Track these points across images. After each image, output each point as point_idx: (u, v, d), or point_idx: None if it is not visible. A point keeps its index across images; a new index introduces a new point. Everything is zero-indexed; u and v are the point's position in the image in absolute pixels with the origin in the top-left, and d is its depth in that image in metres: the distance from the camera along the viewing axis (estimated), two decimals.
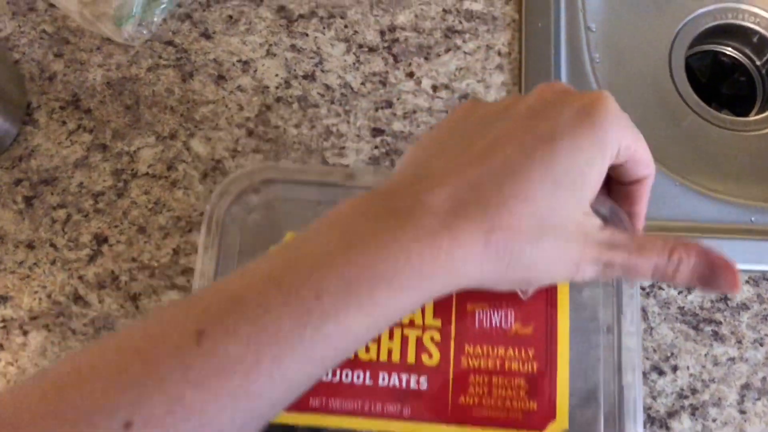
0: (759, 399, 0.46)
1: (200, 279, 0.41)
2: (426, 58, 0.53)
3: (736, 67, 0.77)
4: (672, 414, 0.46)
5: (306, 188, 0.44)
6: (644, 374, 0.47)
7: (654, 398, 0.46)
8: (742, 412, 0.46)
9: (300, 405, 0.38)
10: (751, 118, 0.72)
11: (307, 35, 0.53)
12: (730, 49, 0.76)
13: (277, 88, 0.52)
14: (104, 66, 0.53)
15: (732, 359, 0.47)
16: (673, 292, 0.48)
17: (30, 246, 0.49)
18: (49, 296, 0.48)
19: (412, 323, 0.40)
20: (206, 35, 0.53)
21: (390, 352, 0.39)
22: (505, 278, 0.29)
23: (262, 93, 0.52)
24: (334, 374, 0.39)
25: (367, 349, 0.39)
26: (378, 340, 0.40)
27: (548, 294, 0.40)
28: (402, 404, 0.39)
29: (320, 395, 0.39)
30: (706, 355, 0.47)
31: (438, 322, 0.40)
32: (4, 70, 0.51)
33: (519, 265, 0.29)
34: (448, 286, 0.28)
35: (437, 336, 0.40)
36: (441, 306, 0.40)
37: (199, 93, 0.52)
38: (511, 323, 0.40)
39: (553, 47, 0.53)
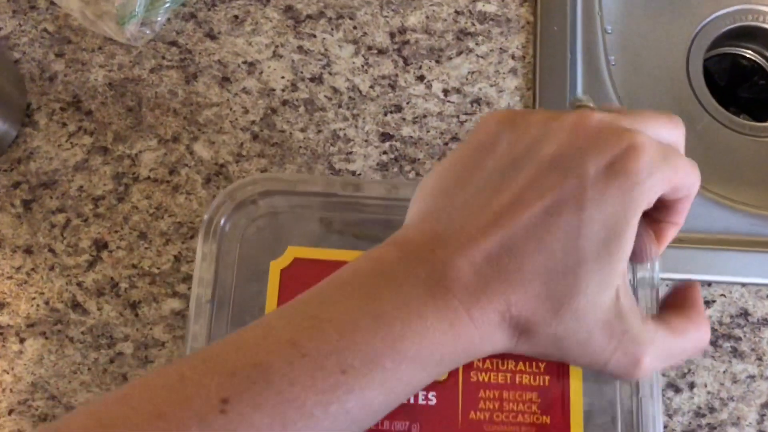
0: None
1: (198, 287, 0.40)
2: (437, 61, 0.51)
3: (755, 71, 0.75)
4: None
5: (309, 199, 0.43)
6: (660, 391, 0.45)
7: (670, 416, 0.45)
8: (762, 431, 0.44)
9: None
10: None
11: (314, 36, 0.52)
12: (750, 52, 0.74)
13: (283, 90, 0.51)
14: (106, 66, 0.51)
15: (752, 377, 0.45)
16: None
17: (28, 251, 0.47)
18: (46, 303, 0.46)
19: None
20: (211, 36, 0.52)
21: None
22: (537, 353, 0.29)
23: (268, 96, 0.50)
24: None
25: None
26: None
27: None
28: (411, 422, 0.38)
29: None
30: (724, 372, 0.46)
31: None
32: (3, 70, 0.50)
33: (547, 346, 0.28)
34: (471, 358, 0.28)
35: None
36: None
37: (203, 95, 0.50)
38: None
39: (569, 51, 0.51)
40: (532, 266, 0.27)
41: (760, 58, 0.75)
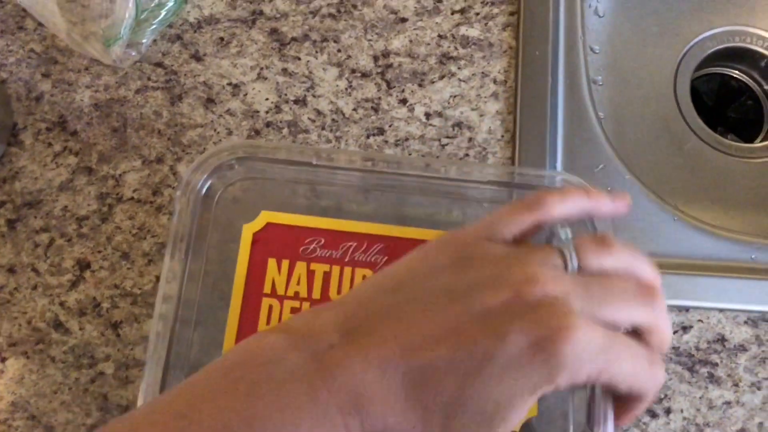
0: None
1: (172, 246, 0.42)
2: (420, 85, 0.52)
3: (743, 91, 0.75)
4: None
5: (285, 167, 0.44)
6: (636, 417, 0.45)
7: None
8: None
9: None
10: (756, 144, 0.70)
11: (299, 59, 0.52)
12: (737, 72, 0.75)
13: (267, 112, 0.51)
14: (92, 87, 0.52)
15: (728, 403, 0.46)
16: None
17: (11, 270, 0.48)
18: (29, 322, 0.47)
19: None
20: (196, 57, 0.52)
21: None
22: None
23: (252, 117, 0.51)
24: None
25: None
26: None
27: None
28: None
29: None
30: (701, 398, 0.46)
31: None
32: None
33: None
34: None
35: None
36: None
37: (187, 116, 0.51)
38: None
39: (550, 75, 0.52)
40: (418, 401, 0.26)
41: (748, 79, 0.75)
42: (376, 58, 0.52)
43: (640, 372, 0.28)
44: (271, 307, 0.43)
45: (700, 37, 0.72)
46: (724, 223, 0.56)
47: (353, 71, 0.52)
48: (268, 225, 0.44)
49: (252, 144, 0.45)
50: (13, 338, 0.46)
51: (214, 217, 0.44)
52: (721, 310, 0.47)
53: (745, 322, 0.47)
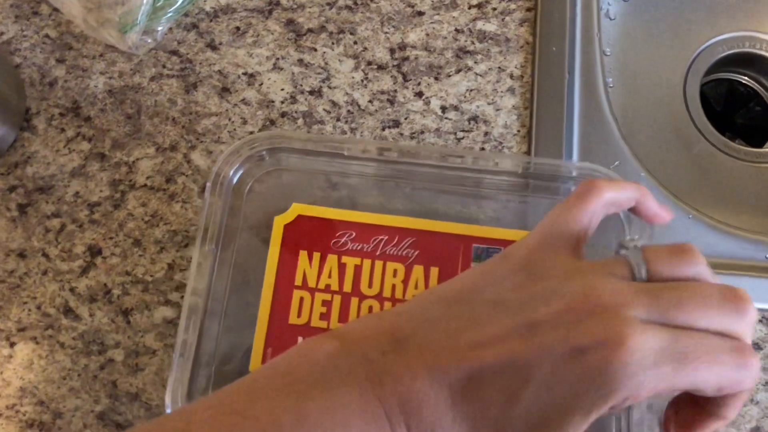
0: None
1: (202, 238, 0.42)
2: (436, 78, 0.51)
3: (751, 97, 0.75)
4: None
5: (315, 158, 0.45)
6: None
7: None
8: None
9: None
10: (766, 149, 0.70)
11: (315, 50, 0.52)
12: (746, 78, 0.75)
13: (282, 102, 0.51)
14: (106, 74, 0.51)
15: None
16: None
17: (21, 255, 0.47)
18: (38, 308, 0.46)
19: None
20: (212, 46, 0.52)
21: None
22: None
23: (267, 107, 0.51)
24: None
25: None
26: None
27: None
28: None
29: None
30: None
31: None
32: (3, 75, 0.50)
33: None
34: None
35: None
36: (446, 280, 0.41)
37: (202, 105, 0.51)
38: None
39: (567, 71, 0.52)
40: (465, 412, 0.26)
41: (757, 85, 0.75)
42: (392, 51, 0.52)
43: (727, 369, 0.25)
44: (302, 299, 0.42)
45: (710, 42, 0.72)
46: (736, 224, 0.56)
47: (369, 63, 0.52)
48: (299, 217, 0.43)
49: (283, 134, 0.44)
50: (22, 323, 0.46)
51: (244, 209, 0.44)
52: None
53: (760, 321, 0.47)
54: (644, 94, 0.69)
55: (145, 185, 0.49)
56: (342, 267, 0.43)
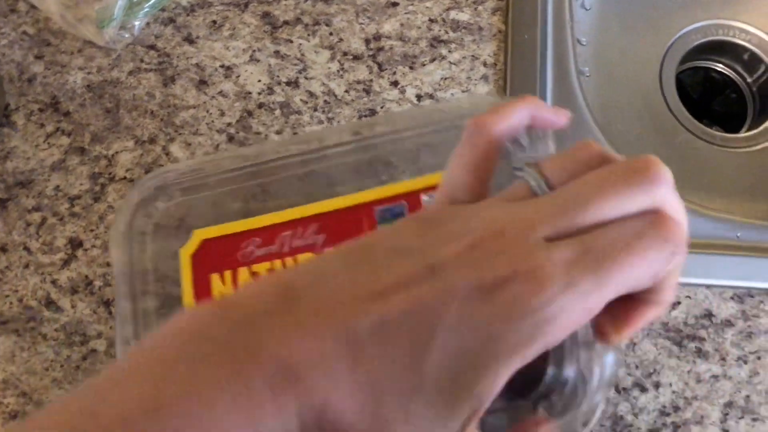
0: (742, 417, 0.45)
1: (120, 289, 0.42)
2: (411, 68, 0.52)
3: (727, 84, 0.77)
4: (654, 431, 0.45)
5: (204, 181, 0.44)
6: (626, 390, 0.46)
7: (635, 415, 0.45)
8: (725, 430, 0.45)
9: None
10: (742, 134, 0.72)
11: (291, 42, 0.53)
12: (721, 65, 0.76)
13: (259, 94, 0.51)
14: (85, 69, 0.52)
15: (715, 377, 0.46)
16: None
17: (2, 249, 0.48)
18: (20, 300, 0.47)
19: None
20: (189, 40, 0.53)
21: None
22: None
23: (244, 98, 0.51)
24: None
25: None
26: None
27: None
28: None
29: None
30: (689, 372, 0.46)
31: None
32: None
33: None
34: None
35: None
36: None
37: (180, 98, 0.51)
38: None
39: (539, 59, 0.53)
40: (368, 373, 0.22)
41: (732, 72, 0.77)
42: (367, 41, 0.53)
43: (653, 252, 0.22)
44: None
45: (684, 30, 0.73)
46: (711, 207, 0.57)
47: (345, 54, 0.53)
48: (203, 242, 0.43)
49: (163, 171, 0.44)
50: (4, 316, 0.46)
51: (151, 251, 0.43)
52: (708, 287, 0.48)
53: (732, 298, 0.48)
54: (621, 83, 0.70)
55: (125, 178, 0.49)
56: (255, 276, 0.42)
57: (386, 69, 0.52)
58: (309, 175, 0.45)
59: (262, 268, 0.42)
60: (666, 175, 0.23)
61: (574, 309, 0.22)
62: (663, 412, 0.45)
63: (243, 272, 0.42)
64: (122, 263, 0.42)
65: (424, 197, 0.42)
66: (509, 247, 0.22)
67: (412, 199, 0.42)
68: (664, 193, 0.23)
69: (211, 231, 0.43)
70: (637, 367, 0.46)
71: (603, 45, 0.70)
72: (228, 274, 0.42)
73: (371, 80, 0.52)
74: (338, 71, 0.52)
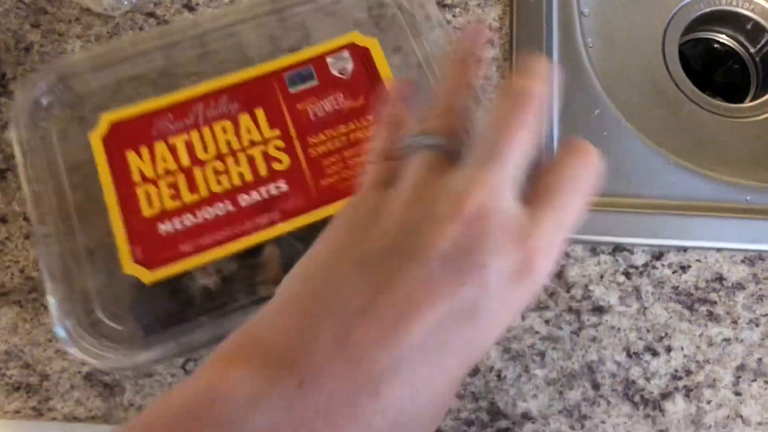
0: (755, 380, 0.45)
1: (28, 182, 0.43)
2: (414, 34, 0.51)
3: (729, 55, 0.76)
4: (666, 395, 0.45)
5: (108, 68, 0.46)
6: (637, 354, 0.45)
7: (647, 379, 0.45)
8: (738, 393, 0.45)
9: (171, 255, 0.41)
10: (746, 104, 0.71)
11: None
12: (724, 36, 0.75)
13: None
14: (83, 37, 0.51)
15: (727, 340, 0.46)
16: (667, 272, 0.47)
17: (3, 220, 0.47)
18: (21, 271, 0.46)
19: (252, 143, 0.44)
20: (189, 7, 0.52)
21: (242, 175, 0.43)
22: None
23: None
24: (194, 215, 0.42)
25: (219, 182, 0.43)
26: (226, 170, 0.43)
27: (367, 67, 0.46)
28: (270, 212, 0.42)
29: (188, 240, 0.41)
30: (700, 335, 0.46)
31: (276, 132, 0.44)
32: None
33: None
34: None
35: (280, 143, 0.44)
36: (274, 116, 0.44)
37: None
38: (342, 103, 0.45)
39: (545, 22, 0.52)
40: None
41: (734, 43, 0.76)
42: (369, 8, 0.52)
43: (585, 188, 0.26)
44: (147, 192, 0.42)
45: (687, 0, 0.73)
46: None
47: None
48: (113, 125, 0.44)
49: (66, 61, 0.45)
50: (5, 287, 0.46)
51: (59, 140, 0.44)
52: (718, 250, 0.48)
53: (742, 261, 0.48)
54: (624, 53, 0.69)
55: None
56: (173, 148, 0.43)
57: (390, 35, 0.51)
58: (217, 52, 0.47)
59: (179, 139, 0.44)
60: (539, 89, 0.26)
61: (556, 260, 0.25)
62: (675, 376, 0.45)
63: (160, 146, 0.44)
64: (32, 153, 0.43)
65: (329, 59, 0.46)
66: (507, 232, 0.23)
67: (317, 63, 0.46)
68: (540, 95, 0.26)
69: (119, 113, 0.44)
70: (648, 331, 0.46)
71: (606, 16, 0.69)
72: (144, 150, 0.43)
73: None
74: None
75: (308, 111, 0.44)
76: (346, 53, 0.46)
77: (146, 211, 0.42)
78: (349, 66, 0.46)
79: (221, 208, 0.42)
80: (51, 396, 0.44)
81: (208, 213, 0.42)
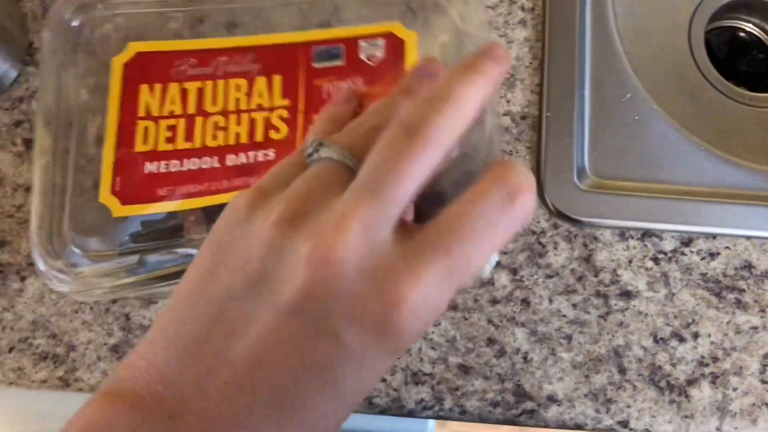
0: None
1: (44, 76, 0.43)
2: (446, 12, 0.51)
3: (755, 44, 0.75)
4: (692, 382, 0.44)
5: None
6: (664, 340, 0.45)
7: (674, 365, 0.45)
8: (764, 381, 0.45)
9: (147, 196, 0.41)
10: None
11: None
12: (749, 25, 0.75)
13: None
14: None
15: (755, 328, 0.46)
16: (696, 258, 0.47)
17: (28, 190, 0.47)
18: None
19: (260, 107, 0.43)
20: None
21: (238, 136, 0.43)
22: None
23: None
24: (182, 163, 0.42)
25: (215, 136, 0.42)
26: (226, 127, 0.43)
27: (397, 59, 0.45)
28: (249, 177, 0.42)
29: (167, 185, 0.41)
30: (728, 323, 0.46)
31: (286, 102, 0.43)
32: (5, 9, 0.49)
33: None
34: None
35: (285, 114, 0.43)
36: (289, 86, 0.44)
37: None
38: (360, 86, 0.44)
39: (578, 4, 0.51)
40: None
41: (760, 32, 0.75)
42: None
43: (495, 230, 0.21)
44: (146, 129, 0.43)
45: None
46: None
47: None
48: (138, 54, 0.44)
49: None
50: (32, 257, 0.45)
51: (83, 55, 0.44)
52: (748, 238, 0.47)
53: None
54: (650, 40, 0.69)
55: None
56: (184, 92, 0.43)
57: (420, 14, 0.51)
58: (256, 10, 0.46)
59: (193, 86, 0.44)
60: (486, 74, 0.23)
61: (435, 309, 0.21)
62: (701, 363, 0.45)
63: (173, 87, 0.44)
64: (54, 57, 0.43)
65: (362, 43, 0.45)
66: (362, 290, 0.21)
67: (349, 43, 0.45)
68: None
69: (148, 45, 0.44)
70: (675, 317, 0.46)
71: (632, 2, 0.68)
72: (158, 87, 0.44)
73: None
74: None
75: (323, 89, 0.44)
76: (381, 41, 0.45)
77: (139, 146, 0.42)
78: (379, 53, 0.45)
79: (208, 162, 0.42)
80: (77, 366, 0.44)
81: (193, 164, 0.42)
